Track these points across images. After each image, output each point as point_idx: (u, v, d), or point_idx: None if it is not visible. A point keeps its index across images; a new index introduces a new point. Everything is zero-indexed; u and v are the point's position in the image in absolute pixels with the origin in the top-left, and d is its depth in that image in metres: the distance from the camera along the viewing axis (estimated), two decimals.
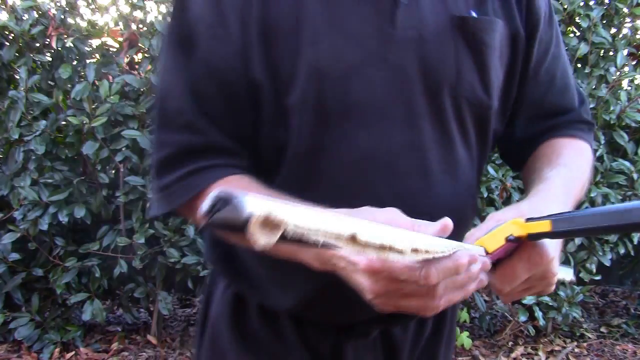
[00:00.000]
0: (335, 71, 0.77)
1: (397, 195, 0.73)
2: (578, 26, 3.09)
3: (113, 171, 2.98)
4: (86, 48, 2.94)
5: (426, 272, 0.59)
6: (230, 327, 0.92)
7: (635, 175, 3.01)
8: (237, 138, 0.81)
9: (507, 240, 0.67)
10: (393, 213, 0.64)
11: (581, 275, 3.14)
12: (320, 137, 0.79)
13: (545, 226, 0.66)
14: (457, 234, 0.64)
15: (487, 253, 0.67)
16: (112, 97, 2.69)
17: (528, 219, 0.68)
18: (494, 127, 0.90)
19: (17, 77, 2.88)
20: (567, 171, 0.86)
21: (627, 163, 3.02)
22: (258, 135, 0.82)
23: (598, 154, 3.00)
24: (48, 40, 2.83)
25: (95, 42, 3.02)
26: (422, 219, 0.63)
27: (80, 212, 2.77)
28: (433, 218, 0.64)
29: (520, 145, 0.98)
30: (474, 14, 0.82)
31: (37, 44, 2.92)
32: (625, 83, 3.21)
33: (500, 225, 0.68)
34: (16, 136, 2.77)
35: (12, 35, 2.88)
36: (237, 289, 0.93)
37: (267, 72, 0.77)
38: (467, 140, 0.86)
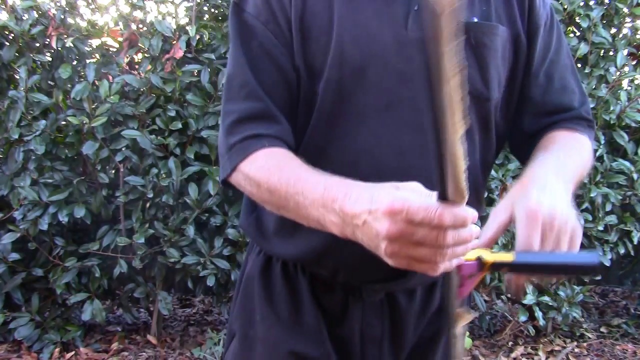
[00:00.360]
0: (355, 62, 0.94)
1: (398, 169, 0.85)
2: (578, 26, 3.09)
3: (113, 171, 2.98)
4: (86, 48, 2.94)
5: (440, 212, 0.67)
6: (259, 285, 1.08)
7: (635, 175, 3.01)
8: (285, 112, 0.98)
9: (477, 258, 0.78)
10: (417, 184, 0.74)
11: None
12: (338, 114, 0.95)
13: (508, 257, 0.78)
14: None
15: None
16: (112, 97, 2.69)
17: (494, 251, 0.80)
18: (497, 119, 1.03)
19: (17, 77, 2.88)
20: (561, 151, 0.97)
21: (627, 163, 3.02)
22: (297, 112, 1.00)
23: (598, 154, 3.00)
24: (48, 40, 2.83)
25: (95, 42, 3.02)
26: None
27: (80, 212, 2.77)
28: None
29: (527, 140, 1.08)
30: (475, 20, 0.97)
31: (37, 44, 2.93)
32: (625, 83, 3.21)
33: (478, 248, 0.79)
34: (16, 136, 2.77)
35: (12, 35, 2.88)
36: (263, 248, 1.09)
37: (304, 62, 0.96)
38: (468, 128, 0.94)
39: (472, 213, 0.70)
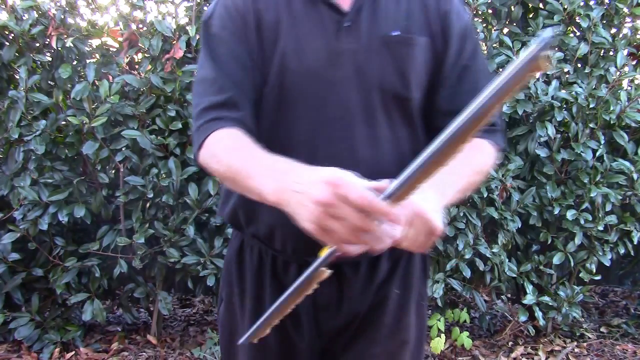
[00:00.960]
0: (293, 70, 1.13)
1: (330, 157, 1.01)
2: (578, 26, 3.09)
3: (113, 171, 2.98)
4: (86, 48, 2.94)
5: (370, 202, 0.78)
6: (235, 263, 1.29)
7: (635, 175, 3.01)
8: (251, 105, 1.14)
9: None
10: (352, 174, 0.84)
11: (581, 275, 3.15)
12: (279, 115, 1.14)
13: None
14: None
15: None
16: (112, 97, 2.69)
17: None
18: (421, 116, 1.20)
19: (17, 77, 2.88)
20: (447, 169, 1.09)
21: (627, 163, 3.02)
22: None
23: (598, 154, 3.00)
24: (48, 40, 2.83)
25: (95, 42, 3.02)
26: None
27: (80, 212, 2.77)
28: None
29: None
30: (397, 33, 1.14)
31: (37, 44, 2.93)
32: (625, 83, 3.20)
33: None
34: (16, 136, 2.77)
35: (12, 35, 2.88)
36: (237, 232, 1.28)
37: (261, 67, 1.14)
38: (392, 123, 1.17)
39: (398, 215, 0.80)
